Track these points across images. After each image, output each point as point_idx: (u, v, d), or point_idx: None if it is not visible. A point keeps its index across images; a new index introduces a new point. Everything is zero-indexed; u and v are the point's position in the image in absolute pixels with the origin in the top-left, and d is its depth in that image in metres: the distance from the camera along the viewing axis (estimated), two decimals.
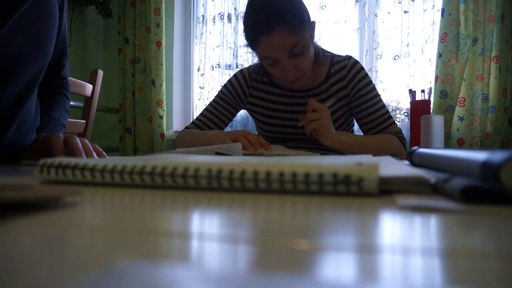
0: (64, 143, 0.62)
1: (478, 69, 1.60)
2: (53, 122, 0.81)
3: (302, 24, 0.90)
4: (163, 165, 0.31)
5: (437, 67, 1.65)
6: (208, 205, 0.23)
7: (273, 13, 0.86)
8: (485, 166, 0.24)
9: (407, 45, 1.82)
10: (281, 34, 0.87)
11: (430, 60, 1.80)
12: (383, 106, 1.05)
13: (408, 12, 1.82)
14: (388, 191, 0.27)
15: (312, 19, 0.96)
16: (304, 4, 0.94)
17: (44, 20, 0.68)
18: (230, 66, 2.10)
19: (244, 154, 0.76)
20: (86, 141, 0.64)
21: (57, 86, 0.88)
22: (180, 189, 0.31)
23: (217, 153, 0.80)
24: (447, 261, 0.13)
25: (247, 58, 2.04)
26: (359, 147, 0.95)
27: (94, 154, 0.62)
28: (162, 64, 2.08)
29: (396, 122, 1.09)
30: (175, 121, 2.21)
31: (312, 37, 0.97)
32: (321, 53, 1.05)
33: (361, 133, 1.10)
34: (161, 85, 2.08)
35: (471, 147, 1.59)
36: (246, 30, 0.95)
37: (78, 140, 0.62)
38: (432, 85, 1.69)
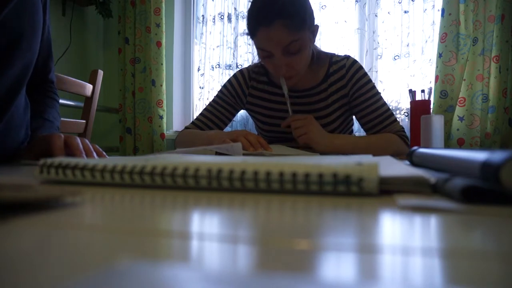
0: (64, 143, 0.62)
1: (478, 69, 1.60)
2: (48, 124, 0.81)
3: (303, 24, 0.90)
4: (163, 165, 0.31)
5: (437, 67, 1.65)
6: (208, 205, 0.23)
7: (276, 7, 0.87)
8: (485, 166, 0.24)
9: (407, 45, 1.82)
10: (279, 29, 0.88)
11: (430, 60, 1.80)
12: (383, 104, 1.05)
13: (408, 12, 1.82)
14: (388, 191, 0.27)
15: (316, 23, 0.97)
16: (310, 6, 0.94)
17: (30, 17, 0.68)
18: (230, 66, 2.10)
19: (244, 154, 0.76)
20: (87, 141, 0.64)
21: (46, 90, 0.87)
22: (180, 189, 0.31)
23: (217, 153, 0.80)
24: (447, 261, 0.13)
25: (247, 58, 2.03)
26: (354, 148, 0.95)
27: (94, 154, 0.62)
28: (162, 64, 2.07)
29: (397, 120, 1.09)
30: (175, 121, 2.21)
31: (312, 40, 0.97)
32: (321, 55, 1.05)
33: (363, 133, 1.10)
34: (161, 85, 2.07)
35: (471, 147, 1.59)
36: (248, 18, 0.95)
37: (78, 140, 0.62)
38: (432, 85, 1.69)
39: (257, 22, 0.90)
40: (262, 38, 0.91)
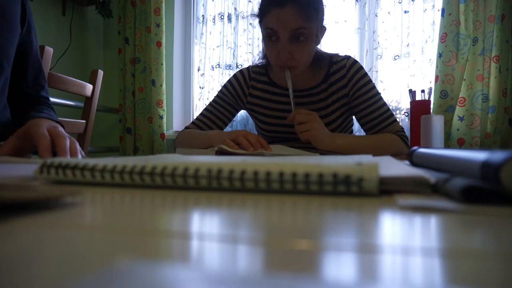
0: (50, 140, 0.62)
1: (478, 69, 1.60)
2: (41, 108, 0.82)
3: (314, 15, 0.92)
4: (163, 165, 0.31)
5: (437, 67, 1.65)
6: (208, 205, 0.23)
7: None
8: (485, 166, 0.24)
9: (407, 45, 1.82)
10: (291, 12, 0.89)
11: (430, 60, 1.80)
12: (383, 104, 1.05)
13: (408, 12, 1.82)
14: (388, 191, 0.27)
15: (324, 23, 0.99)
16: (323, 5, 0.97)
17: (6, 30, 0.73)
18: (230, 66, 2.10)
19: (244, 154, 0.76)
20: (77, 144, 0.64)
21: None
22: (180, 189, 0.31)
23: (217, 153, 0.80)
24: (447, 261, 0.13)
25: (247, 58, 2.03)
26: (355, 148, 0.95)
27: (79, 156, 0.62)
28: (162, 64, 2.07)
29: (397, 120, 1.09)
30: (175, 121, 2.21)
31: (318, 38, 0.98)
32: (321, 55, 1.05)
33: (363, 133, 1.10)
34: (161, 85, 2.07)
35: (471, 147, 1.59)
36: (261, 1, 0.97)
37: (67, 141, 0.62)
38: (432, 85, 1.69)
39: (270, 3, 0.92)
40: (272, 18, 0.92)
